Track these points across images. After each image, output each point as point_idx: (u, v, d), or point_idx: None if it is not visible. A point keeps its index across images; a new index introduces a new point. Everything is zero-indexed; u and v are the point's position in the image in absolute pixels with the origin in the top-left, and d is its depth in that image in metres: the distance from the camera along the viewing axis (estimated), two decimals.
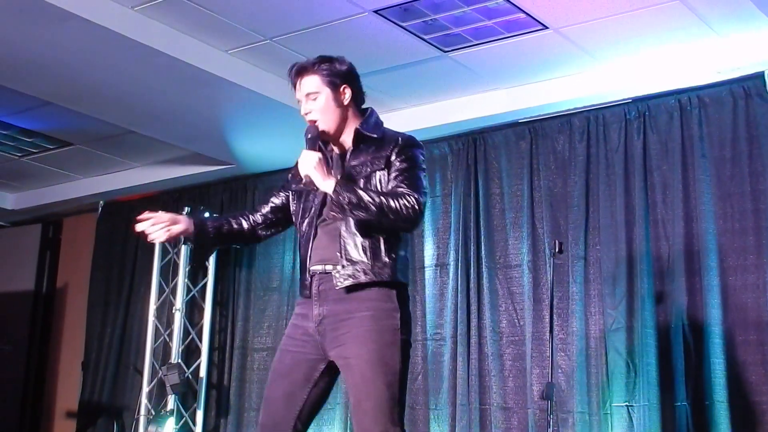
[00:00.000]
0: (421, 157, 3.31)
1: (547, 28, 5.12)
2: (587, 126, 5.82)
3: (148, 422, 6.84)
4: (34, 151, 7.34)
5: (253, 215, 3.53)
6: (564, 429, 5.49)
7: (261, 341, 7.05)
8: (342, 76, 3.35)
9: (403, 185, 3.17)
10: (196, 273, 7.29)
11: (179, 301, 7.09)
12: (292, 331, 3.32)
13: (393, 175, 3.21)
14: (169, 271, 7.23)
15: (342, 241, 3.19)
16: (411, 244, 6.33)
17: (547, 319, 5.38)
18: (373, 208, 3.08)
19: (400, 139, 3.29)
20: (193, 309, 7.33)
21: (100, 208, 8.29)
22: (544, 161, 5.96)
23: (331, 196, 3.12)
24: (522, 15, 4.99)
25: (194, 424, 6.96)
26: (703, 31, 5.05)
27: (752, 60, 5.20)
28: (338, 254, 3.18)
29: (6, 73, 5.62)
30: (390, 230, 3.18)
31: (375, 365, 3.13)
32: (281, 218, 3.53)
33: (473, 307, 5.98)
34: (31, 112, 6.43)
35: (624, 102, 5.69)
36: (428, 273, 6.26)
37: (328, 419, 6.48)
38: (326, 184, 3.13)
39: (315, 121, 3.29)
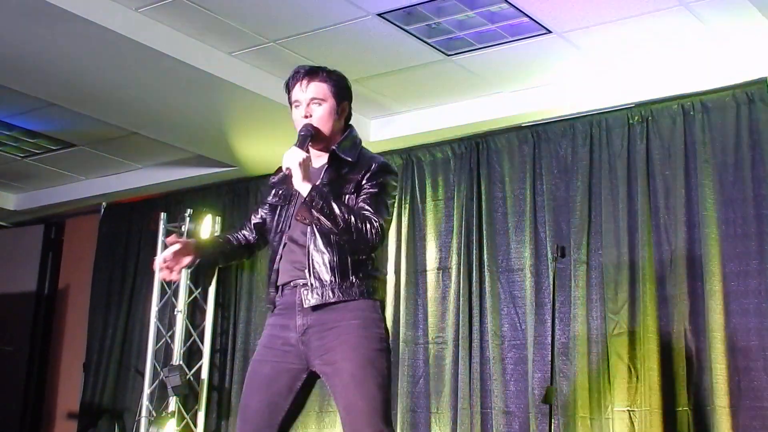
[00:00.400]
0: (393, 184, 3.32)
1: (550, 32, 5.12)
2: (590, 130, 5.82)
3: (150, 424, 6.84)
4: (37, 152, 7.34)
5: (245, 230, 3.52)
6: None
7: None
8: (345, 90, 3.37)
9: (368, 207, 3.17)
10: (198, 275, 7.29)
11: (181, 303, 7.09)
12: (271, 342, 3.29)
13: (362, 197, 3.21)
14: None
15: (310, 259, 3.19)
16: (413, 248, 6.39)
17: (549, 323, 5.39)
18: (340, 221, 3.08)
19: (374, 165, 3.27)
20: (195, 311, 7.33)
21: (102, 210, 8.29)
22: (546, 165, 5.96)
23: (303, 199, 3.12)
24: (525, 19, 4.99)
25: (195, 426, 6.96)
26: (706, 36, 5.05)
27: (755, 65, 5.20)
28: (306, 272, 3.19)
29: (9, 74, 5.63)
30: (349, 249, 3.18)
31: (365, 368, 3.14)
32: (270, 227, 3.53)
33: (475, 311, 5.98)
34: (35, 113, 6.44)
35: (627, 107, 5.70)
36: (430, 276, 6.27)
37: (329, 422, 6.48)
38: (304, 184, 3.12)
39: (315, 126, 3.29)
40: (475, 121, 6.09)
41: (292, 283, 3.24)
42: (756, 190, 5.23)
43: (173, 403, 6.86)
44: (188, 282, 7.16)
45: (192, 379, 7.03)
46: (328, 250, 3.18)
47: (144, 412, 6.98)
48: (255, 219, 3.53)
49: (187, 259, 3.33)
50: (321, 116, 3.30)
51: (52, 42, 5.12)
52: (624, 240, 5.54)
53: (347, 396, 3.13)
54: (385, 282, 3.40)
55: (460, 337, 5.99)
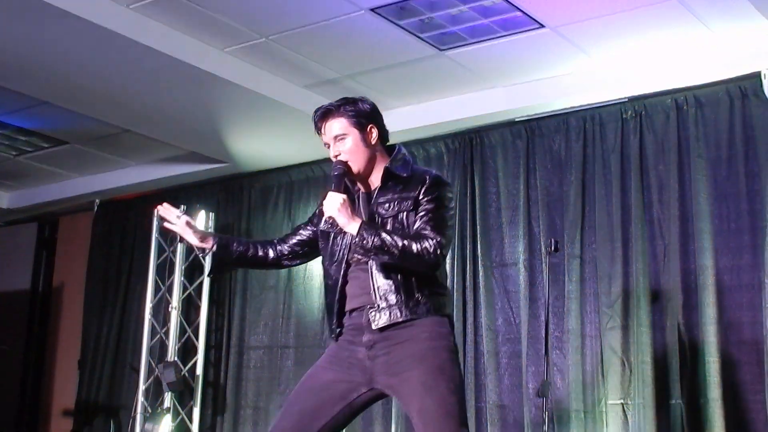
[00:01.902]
0: (449, 195, 3.33)
1: (543, 26, 5.12)
2: (583, 125, 5.83)
3: (145, 420, 6.85)
4: (30, 150, 7.33)
5: (280, 245, 3.55)
6: (559, 427, 5.49)
7: (257, 339, 7.06)
8: (367, 116, 3.36)
9: (427, 227, 3.19)
10: (193, 271, 7.29)
11: (176, 300, 7.09)
12: (338, 352, 3.33)
13: (420, 214, 3.23)
14: (165, 270, 7.23)
15: (374, 281, 3.21)
16: None
17: (543, 318, 5.39)
18: (396, 251, 3.12)
19: (428, 178, 3.29)
20: (190, 307, 7.33)
21: (96, 207, 8.28)
22: (540, 160, 5.97)
23: (354, 241, 3.15)
24: (518, 13, 4.99)
25: (191, 422, 6.96)
26: (699, 30, 5.05)
27: (749, 59, 5.20)
28: (372, 295, 3.21)
29: (1, 72, 5.62)
30: (412, 270, 3.21)
31: (435, 375, 3.16)
32: (307, 251, 3.57)
33: (469, 305, 5.99)
34: (27, 111, 6.43)
35: (620, 101, 5.70)
36: None
37: None
38: (351, 226, 3.15)
39: (346, 161, 3.30)
40: (469, 116, 6.09)
41: (358, 309, 3.26)
42: (749, 184, 5.24)
43: (168, 399, 6.86)
44: (182, 278, 7.16)
45: (187, 375, 7.04)
46: (391, 271, 3.20)
47: (139, 409, 6.99)
48: (296, 238, 3.56)
49: (191, 236, 3.40)
50: (348, 150, 3.31)
51: (44, 39, 5.11)
52: (617, 234, 5.55)
53: (419, 402, 3.13)
54: (450, 297, 3.42)
55: (454, 331, 5.98)
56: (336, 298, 3.32)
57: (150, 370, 7.06)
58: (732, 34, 5.09)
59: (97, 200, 8.23)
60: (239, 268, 3.76)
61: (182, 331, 7.15)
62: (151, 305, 7.17)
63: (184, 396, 7.07)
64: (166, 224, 3.50)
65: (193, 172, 7.37)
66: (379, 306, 3.19)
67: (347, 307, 3.31)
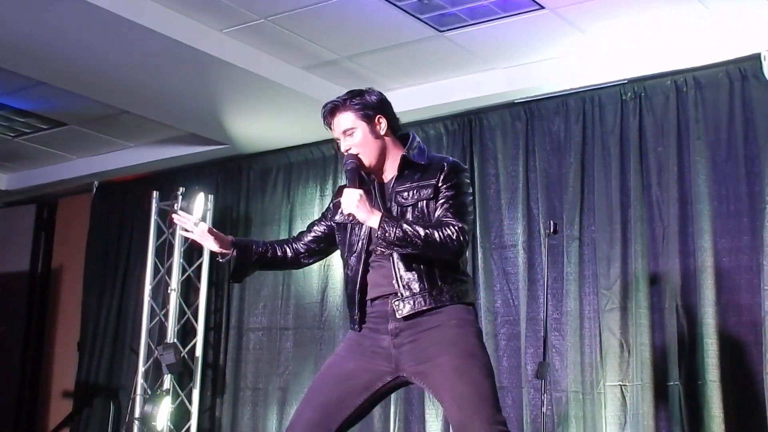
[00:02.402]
0: (467, 181, 3.34)
1: (543, 8, 5.10)
2: (583, 107, 5.82)
3: (145, 402, 6.85)
4: (28, 131, 7.32)
5: (296, 244, 3.56)
6: (558, 408, 5.51)
7: (256, 321, 7.07)
8: (374, 107, 3.35)
9: (448, 214, 3.20)
10: (192, 253, 7.29)
11: (175, 281, 7.09)
12: (360, 341, 3.32)
13: (440, 202, 3.23)
14: (164, 251, 7.22)
15: (397, 272, 3.21)
16: None
17: (542, 299, 5.40)
18: (418, 241, 3.12)
19: (445, 165, 3.30)
20: (189, 289, 7.33)
21: (94, 189, 8.27)
22: (539, 142, 5.96)
23: (376, 235, 3.14)
24: None
25: (190, 403, 6.98)
26: (700, 11, 5.03)
27: (748, 41, 5.19)
28: (395, 284, 3.21)
29: None
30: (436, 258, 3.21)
31: (466, 359, 3.17)
32: (324, 247, 3.57)
33: None
34: (25, 92, 6.41)
35: (620, 83, 5.69)
36: None
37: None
38: (371, 220, 3.15)
39: (357, 154, 3.30)
40: (468, 98, 6.07)
41: (381, 297, 3.27)
42: (748, 167, 5.24)
43: (168, 380, 6.87)
44: (181, 260, 7.15)
45: (186, 356, 7.05)
46: (414, 261, 3.20)
47: (139, 390, 7.00)
48: (311, 235, 3.55)
49: (211, 243, 3.40)
50: (358, 143, 3.31)
51: (42, 20, 5.09)
52: (617, 216, 5.55)
53: (452, 387, 3.12)
54: (472, 285, 3.43)
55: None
56: (356, 288, 3.32)
57: (149, 352, 7.07)
58: (732, 16, 5.07)
59: (95, 182, 8.22)
60: (259, 270, 3.73)
61: (181, 313, 7.15)
62: (150, 287, 7.18)
63: (183, 377, 7.09)
64: (182, 232, 3.50)
65: (191, 153, 7.35)
66: (402, 295, 3.20)
67: (369, 296, 3.30)
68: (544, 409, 4.94)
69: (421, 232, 3.12)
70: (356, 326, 3.33)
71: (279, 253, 3.52)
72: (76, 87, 6.13)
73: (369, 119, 3.32)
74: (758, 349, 5.00)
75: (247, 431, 6.90)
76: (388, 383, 3.28)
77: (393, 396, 5.99)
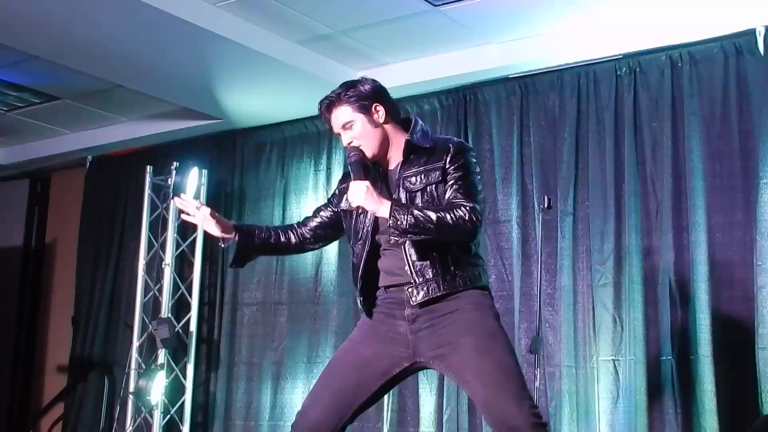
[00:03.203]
0: (473, 160, 3.31)
1: None
2: (578, 82, 5.81)
3: (139, 376, 6.88)
4: (21, 105, 7.28)
5: (301, 229, 3.53)
6: (551, 382, 5.54)
7: (251, 296, 7.08)
8: (369, 96, 3.31)
9: (459, 195, 3.17)
10: (186, 228, 7.29)
11: (169, 256, 7.09)
12: (375, 327, 3.31)
13: (449, 183, 3.21)
14: (158, 226, 7.22)
15: (409, 258, 3.19)
16: None
17: (536, 275, 5.41)
18: (431, 226, 3.08)
19: (451, 146, 3.27)
20: (183, 264, 7.33)
21: (88, 163, 8.25)
22: (534, 117, 5.96)
23: (388, 222, 3.11)
24: None
25: (185, 377, 7.00)
26: None
27: (744, 16, 5.17)
28: (408, 272, 3.19)
29: None
30: (451, 242, 3.20)
31: (487, 339, 3.17)
32: (330, 233, 3.56)
33: None
34: (18, 66, 6.37)
35: (615, 58, 5.68)
36: None
37: (317, 374, 6.51)
38: (381, 210, 3.11)
39: (359, 146, 3.27)
40: (463, 73, 6.06)
41: (396, 286, 3.25)
42: (742, 142, 5.24)
43: (162, 355, 6.89)
44: (175, 235, 7.15)
45: (180, 331, 7.06)
46: (426, 247, 3.18)
47: (133, 365, 7.02)
48: (317, 221, 3.53)
49: (213, 227, 3.33)
50: (359, 136, 3.28)
51: None
52: (611, 191, 5.56)
53: (476, 365, 3.11)
54: (486, 269, 3.43)
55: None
56: (360, 275, 3.31)
57: (144, 327, 7.08)
58: None
59: (89, 156, 8.20)
60: (262, 255, 3.69)
61: (176, 288, 7.16)
62: (144, 262, 7.18)
63: (177, 352, 7.10)
64: (184, 216, 3.44)
65: (185, 128, 7.33)
66: (416, 282, 3.18)
67: (382, 283, 3.29)
68: (537, 383, 4.97)
69: (433, 216, 3.08)
70: (366, 314, 3.33)
71: (283, 239, 3.50)
72: (69, 61, 6.10)
73: (366, 109, 3.29)
74: (751, 324, 5.01)
75: (241, 405, 6.93)
76: (405, 368, 3.27)
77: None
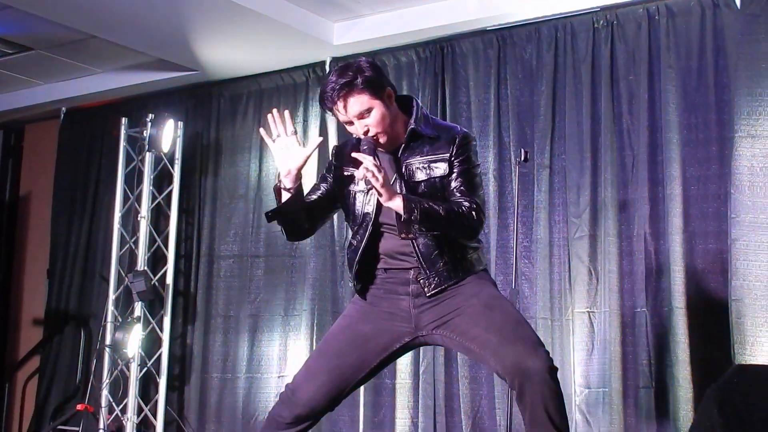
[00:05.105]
0: (475, 150, 3.30)
1: None
2: (555, 35, 5.79)
3: (115, 329, 6.87)
4: None
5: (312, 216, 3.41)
6: None
7: (227, 249, 7.07)
8: (380, 79, 3.20)
9: (464, 190, 3.17)
10: (162, 180, 7.25)
11: (144, 209, 7.06)
12: (374, 303, 3.29)
13: (453, 176, 3.19)
14: (133, 179, 7.17)
15: (418, 250, 3.18)
16: None
17: (512, 227, 5.44)
18: (440, 224, 3.09)
19: (457, 138, 3.23)
20: (159, 217, 7.30)
21: (62, 115, 8.16)
22: (511, 70, 5.95)
23: (401, 218, 3.06)
24: None
25: (161, 330, 7.00)
26: None
27: None
28: (417, 260, 3.18)
29: None
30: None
31: (495, 299, 3.22)
32: (324, 213, 3.46)
33: None
34: None
35: (592, 10, 5.66)
36: None
37: (295, 326, 6.55)
38: (393, 203, 3.06)
39: (375, 136, 3.18)
40: (440, 25, 6.03)
41: (396, 268, 3.24)
42: (718, 95, 5.26)
43: (139, 308, 6.88)
44: (151, 188, 7.12)
45: (157, 284, 7.05)
46: (433, 236, 3.18)
47: (109, 318, 7.00)
48: (313, 197, 3.41)
49: (290, 162, 3.18)
50: (376, 123, 3.17)
51: None
52: (587, 144, 5.57)
53: (486, 319, 3.12)
54: (483, 247, 3.43)
55: None
56: (357, 258, 3.26)
57: (120, 280, 7.06)
58: None
59: (63, 108, 8.10)
60: (285, 221, 3.43)
61: (152, 241, 7.14)
62: (119, 214, 7.14)
63: (154, 305, 7.10)
64: (266, 138, 3.26)
65: (161, 79, 7.25)
66: (427, 273, 3.18)
67: (382, 266, 3.26)
68: None
69: (443, 213, 3.09)
70: (360, 295, 3.31)
71: (306, 226, 3.41)
72: (42, 10, 6.00)
73: (380, 95, 3.17)
74: (724, 277, 5.07)
75: (218, 358, 6.95)
76: (405, 344, 3.29)
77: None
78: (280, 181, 3.26)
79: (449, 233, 3.16)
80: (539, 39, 5.85)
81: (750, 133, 5.05)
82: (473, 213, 3.14)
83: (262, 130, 3.28)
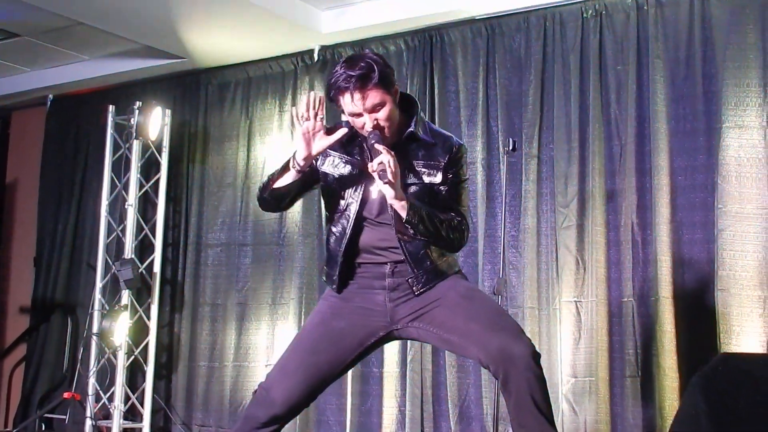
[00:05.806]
0: (467, 163, 3.36)
1: None
2: (544, 24, 5.80)
3: (102, 317, 6.85)
4: None
5: None
6: None
7: (215, 237, 7.06)
8: (392, 77, 3.19)
9: (453, 201, 3.23)
10: (149, 168, 7.23)
11: (132, 197, 7.02)
12: (348, 297, 3.28)
13: (446, 187, 3.23)
14: (121, 167, 7.13)
15: (406, 250, 3.18)
16: None
17: (500, 217, 5.45)
18: (433, 232, 3.14)
19: (453, 148, 3.26)
20: (146, 205, 7.28)
21: (49, 102, 8.12)
22: (500, 59, 5.95)
23: (403, 218, 3.10)
24: None
25: (149, 319, 6.99)
26: None
27: None
28: (404, 258, 3.19)
29: None
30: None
31: (471, 291, 3.28)
32: (301, 191, 3.40)
33: None
34: None
35: (581, 0, 5.66)
36: None
37: (282, 314, 6.55)
38: (398, 202, 3.09)
39: (382, 129, 3.16)
40: (429, 14, 6.02)
41: (372, 263, 3.24)
42: (706, 86, 5.28)
43: (126, 296, 6.86)
44: (138, 176, 7.09)
45: (144, 272, 7.04)
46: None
47: (97, 306, 6.98)
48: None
49: (309, 146, 3.18)
50: (385, 118, 3.15)
51: None
52: (575, 134, 5.58)
53: (464, 310, 3.15)
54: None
55: None
56: (340, 250, 3.24)
57: (107, 268, 7.04)
58: None
59: (50, 95, 8.07)
60: (284, 199, 3.39)
61: (139, 229, 7.11)
62: (106, 202, 7.11)
63: (141, 293, 7.08)
64: (296, 119, 3.21)
65: (148, 67, 7.22)
66: (415, 273, 3.19)
67: (360, 259, 3.26)
68: None
69: (437, 223, 3.15)
70: (334, 285, 3.28)
71: (284, 204, 3.41)
72: None
73: (391, 90, 3.17)
74: (710, 267, 5.10)
75: (205, 346, 6.95)
76: (380, 337, 3.28)
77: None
78: (293, 159, 3.24)
79: (437, 243, 3.20)
80: (528, 28, 5.85)
81: (737, 124, 5.07)
82: (463, 229, 3.23)
83: (293, 109, 3.26)
